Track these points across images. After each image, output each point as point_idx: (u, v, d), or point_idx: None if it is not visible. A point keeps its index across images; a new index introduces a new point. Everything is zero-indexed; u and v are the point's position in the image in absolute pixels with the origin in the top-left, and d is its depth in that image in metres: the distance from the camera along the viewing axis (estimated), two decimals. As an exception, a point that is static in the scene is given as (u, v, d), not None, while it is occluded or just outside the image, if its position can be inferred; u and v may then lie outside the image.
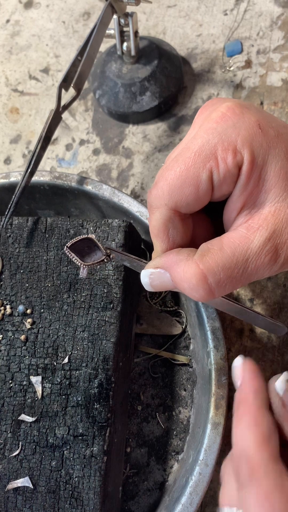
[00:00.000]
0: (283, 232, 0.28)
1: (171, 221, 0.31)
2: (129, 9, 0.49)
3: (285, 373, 0.29)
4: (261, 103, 0.55)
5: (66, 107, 0.43)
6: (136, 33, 0.51)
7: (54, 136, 0.58)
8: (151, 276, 0.31)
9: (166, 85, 0.55)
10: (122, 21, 0.49)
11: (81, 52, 0.43)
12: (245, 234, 0.28)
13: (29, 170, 0.41)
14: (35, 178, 0.46)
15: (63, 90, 0.43)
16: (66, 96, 0.44)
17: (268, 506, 0.24)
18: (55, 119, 0.42)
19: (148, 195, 0.32)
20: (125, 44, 0.52)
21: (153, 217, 0.31)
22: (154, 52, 0.55)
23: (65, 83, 0.43)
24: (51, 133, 0.42)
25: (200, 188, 0.29)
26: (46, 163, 0.56)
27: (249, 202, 0.29)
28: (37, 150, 0.41)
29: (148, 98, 0.54)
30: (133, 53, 0.53)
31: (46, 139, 0.42)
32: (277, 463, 0.25)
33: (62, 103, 0.43)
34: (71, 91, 0.44)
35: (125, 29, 0.51)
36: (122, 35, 0.51)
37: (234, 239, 0.28)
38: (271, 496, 0.24)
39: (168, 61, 0.55)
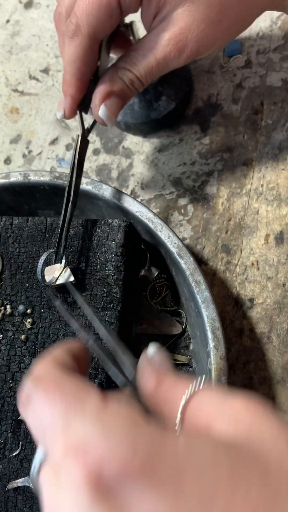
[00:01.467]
0: (190, 29, 0.36)
1: (91, 49, 0.37)
2: (128, 18, 0.49)
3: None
4: (261, 103, 0.55)
5: (89, 129, 0.42)
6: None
7: (54, 136, 0.58)
8: None
9: (179, 85, 0.54)
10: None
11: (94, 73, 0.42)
12: (155, 36, 0.37)
13: (70, 200, 0.41)
14: (35, 178, 0.46)
15: (84, 113, 0.42)
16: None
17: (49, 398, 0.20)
18: (83, 144, 0.42)
19: (57, 19, 0.38)
20: None
21: (73, 43, 0.36)
22: None
23: (83, 106, 0.42)
24: (82, 159, 0.42)
25: (113, 13, 0.35)
26: (46, 163, 0.56)
27: (157, 13, 0.37)
28: (74, 179, 0.41)
29: (165, 102, 0.53)
30: None
31: (80, 166, 0.41)
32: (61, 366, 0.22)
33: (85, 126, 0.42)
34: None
35: None
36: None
37: (147, 42, 0.37)
38: (50, 391, 0.20)
39: None
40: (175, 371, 0.25)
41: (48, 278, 0.40)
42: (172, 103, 0.53)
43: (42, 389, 0.20)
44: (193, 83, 0.57)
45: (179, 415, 0.21)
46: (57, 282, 0.40)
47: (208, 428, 0.20)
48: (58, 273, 0.40)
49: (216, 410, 0.20)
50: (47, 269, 0.40)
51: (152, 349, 0.26)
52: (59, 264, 0.40)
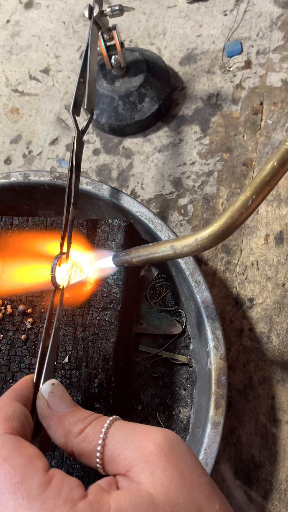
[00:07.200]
0: None
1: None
2: (111, 22, 0.49)
3: (49, 380, 0.29)
4: (261, 104, 0.55)
5: (84, 131, 0.42)
6: (122, 44, 0.51)
7: (54, 136, 0.58)
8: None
9: (161, 87, 0.55)
10: (105, 36, 0.49)
11: (82, 74, 0.43)
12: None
13: (72, 202, 0.41)
14: (35, 178, 0.46)
15: (76, 115, 0.43)
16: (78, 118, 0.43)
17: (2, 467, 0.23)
18: (79, 146, 0.42)
19: None
20: (113, 57, 0.52)
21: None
22: (139, 58, 0.55)
23: (75, 108, 0.42)
24: (79, 160, 0.42)
25: None
26: (46, 163, 0.57)
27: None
28: (73, 181, 0.41)
29: (148, 104, 0.54)
30: (123, 64, 0.53)
31: (77, 167, 0.41)
32: (13, 436, 0.25)
33: (80, 127, 0.43)
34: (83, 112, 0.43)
35: (108, 43, 0.51)
36: (109, 50, 0.52)
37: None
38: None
39: (155, 64, 0.56)
40: (72, 405, 0.28)
41: (60, 281, 0.39)
42: (155, 104, 0.54)
43: None
44: (174, 86, 0.58)
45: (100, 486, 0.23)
46: (72, 282, 0.40)
47: (130, 481, 0.23)
48: (68, 274, 0.39)
49: (129, 451, 0.24)
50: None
51: (44, 387, 0.29)
52: (65, 265, 0.40)
